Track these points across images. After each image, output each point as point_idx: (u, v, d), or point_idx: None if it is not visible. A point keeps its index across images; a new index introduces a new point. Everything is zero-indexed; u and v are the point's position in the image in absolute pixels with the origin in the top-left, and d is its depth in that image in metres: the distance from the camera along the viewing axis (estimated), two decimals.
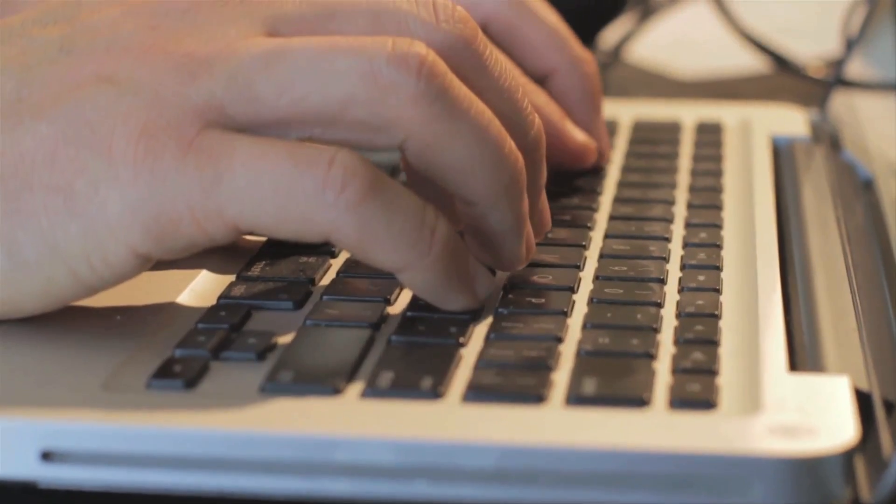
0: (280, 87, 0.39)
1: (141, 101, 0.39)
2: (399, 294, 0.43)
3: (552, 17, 0.55)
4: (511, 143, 0.41)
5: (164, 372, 0.39)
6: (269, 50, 0.40)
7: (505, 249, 0.42)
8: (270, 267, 0.45)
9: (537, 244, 0.44)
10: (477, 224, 0.42)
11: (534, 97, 0.51)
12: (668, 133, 0.60)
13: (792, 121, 0.63)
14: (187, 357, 0.39)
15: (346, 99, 0.39)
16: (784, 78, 0.79)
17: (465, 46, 0.42)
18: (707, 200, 0.52)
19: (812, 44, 0.85)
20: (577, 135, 0.54)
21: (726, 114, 0.64)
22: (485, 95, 0.41)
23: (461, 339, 0.40)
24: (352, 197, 0.38)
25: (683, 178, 0.55)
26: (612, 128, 0.61)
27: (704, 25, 0.85)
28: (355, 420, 0.36)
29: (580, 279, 0.44)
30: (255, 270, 0.45)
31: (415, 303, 0.42)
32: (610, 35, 0.79)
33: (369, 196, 0.39)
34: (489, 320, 0.42)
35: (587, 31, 0.75)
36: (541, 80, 0.54)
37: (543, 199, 0.44)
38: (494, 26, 0.54)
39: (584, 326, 0.41)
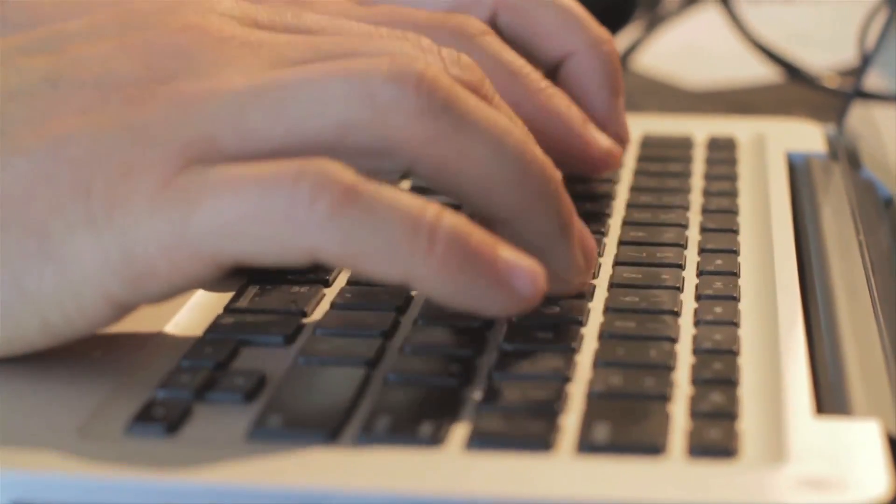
0: (272, 116, 0.37)
1: (126, 140, 0.37)
2: (397, 327, 0.41)
3: (568, 2, 0.52)
4: (536, 149, 0.38)
5: (145, 416, 0.36)
6: (262, 81, 0.37)
7: (557, 263, 0.39)
8: (260, 297, 0.43)
9: None
10: (519, 243, 0.38)
11: (555, 101, 0.48)
12: (679, 150, 0.58)
13: (807, 136, 0.60)
14: (169, 399, 0.37)
15: (344, 123, 0.37)
16: (797, 89, 0.76)
17: (472, 89, 0.39)
18: (722, 224, 0.49)
19: (826, 53, 0.83)
20: (602, 140, 0.49)
21: (739, 129, 0.61)
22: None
23: (462, 379, 0.37)
24: (325, 208, 0.35)
25: (696, 199, 0.52)
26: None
27: (714, 34, 0.83)
28: (349, 471, 0.34)
29: (589, 311, 0.42)
30: (245, 301, 0.42)
31: (412, 337, 0.40)
32: (617, 44, 0.76)
33: (345, 205, 0.35)
34: (493, 356, 0.39)
35: None
36: (557, 65, 0.51)
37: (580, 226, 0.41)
38: (505, 14, 0.51)
39: (595, 364, 0.38)
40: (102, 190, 0.36)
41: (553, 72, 0.51)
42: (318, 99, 0.37)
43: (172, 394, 0.37)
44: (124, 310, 0.38)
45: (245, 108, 0.37)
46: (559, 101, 0.48)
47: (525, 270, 0.37)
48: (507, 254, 0.37)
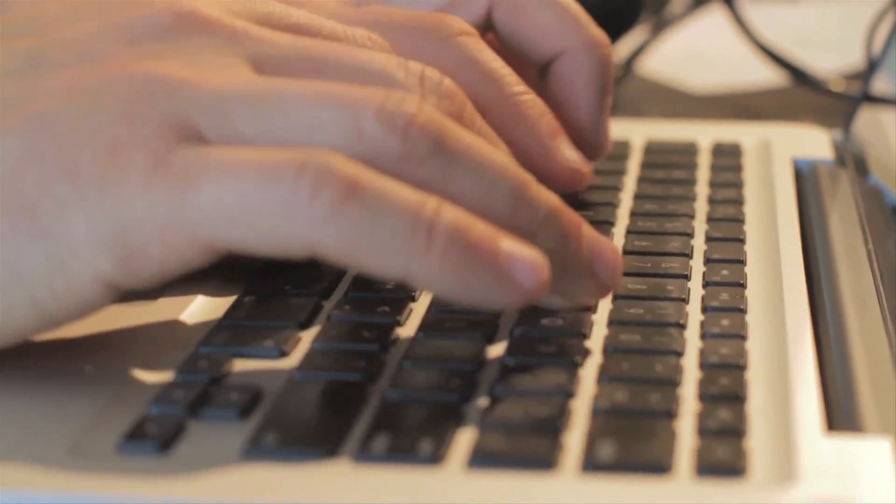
0: (260, 127, 0.36)
1: (112, 116, 0.36)
2: (396, 340, 0.40)
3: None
4: (534, 185, 0.38)
5: (137, 433, 0.35)
6: (253, 87, 0.37)
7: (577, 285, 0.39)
8: (257, 308, 0.42)
9: None
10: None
11: (526, 107, 0.46)
12: (683, 156, 0.57)
13: (814, 142, 0.59)
14: (162, 416, 0.36)
15: (328, 147, 0.36)
16: (803, 92, 0.76)
17: (455, 115, 0.39)
18: (728, 233, 0.48)
19: (831, 56, 0.82)
20: (568, 156, 0.47)
21: (744, 134, 0.60)
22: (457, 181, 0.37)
23: (463, 394, 0.37)
24: (326, 203, 0.35)
25: (702, 207, 0.51)
26: (623, 149, 0.57)
27: (719, 37, 0.82)
28: (347, 490, 0.33)
29: (593, 323, 0.41)
30: (241, 312, 0.41)
31: (412, 350, 0.39)
32: (622, 47, 0.76)
33: (347, 200, 0.35)
34: (494, 370, 0.38)
35: None
36: (549, 63, 0.50)
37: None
38: (500, 10, 0.50)
39: (599, 379, 0.37)
40: (91, 167, 0.36)
41: (545, 71, 0.50)
42: (308, 120, 0.36)
43: (165, 410, 0.36)
44: (115, 291, 0.37)
45: (234, 111, 0.36)
46: (531, 107, 0.46)
47: (527, 262, 0.36)
48: (509, 245, 0.36)
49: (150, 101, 0.36)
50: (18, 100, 0.37)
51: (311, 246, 0.35)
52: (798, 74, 0.75)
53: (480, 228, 0.36)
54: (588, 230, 0.39)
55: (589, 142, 0.49)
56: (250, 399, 0.36)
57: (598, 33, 0.50)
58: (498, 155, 0.38)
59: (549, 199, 0.38)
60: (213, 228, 0.35)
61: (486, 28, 0.50)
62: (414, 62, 0.40)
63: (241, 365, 0.39)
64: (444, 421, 0.35)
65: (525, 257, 0.36)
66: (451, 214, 0.35)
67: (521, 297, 0.36)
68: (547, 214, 0.38)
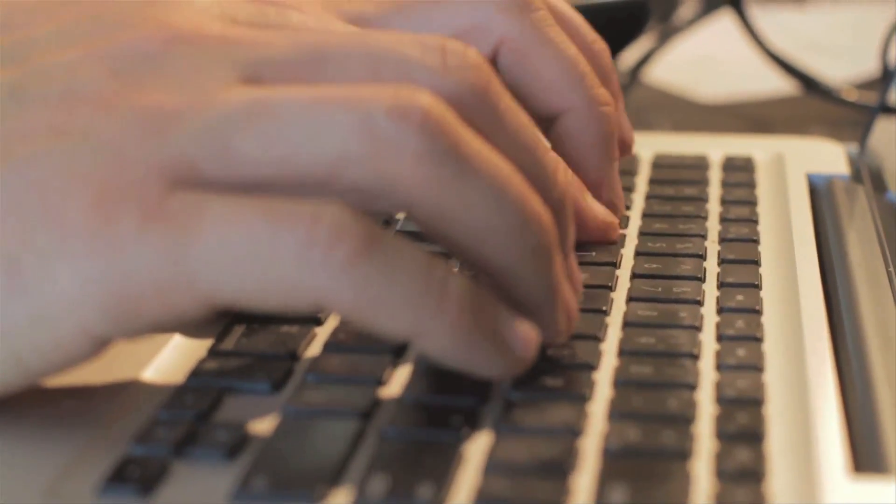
0: (262, 144, 0.34)
1: (99, 159, 0.33)
2: (394, 373, 0.38)
3: (571, 50, 0.47)
4: (536, 203, 0.35)
5: (118, 476, 0.33)
6: (249, 102, 0.34)
7: (541, 321, 0.36)
8: (247, 338, 0.39)
9: None
10: (505, 295, 0.36)
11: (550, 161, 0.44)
12: (693, 171, 0.55)
13: (829, 156, 0.57)
14: (145, 457, 0.34)
15: (339, 157, 0.34)
16: (814, 102, 0.73)
17: (478, 96, 0.36)
18: (742, 254, 0.46)
19: (842, 64, 0.80)
20: (598, 210, 0.46)
21: (756, 147, 0.58)
22: (500, 150, 0.35)
23: (465, 433, 0.34)
24: (343, 257, 0.33)
25: (714, 226, 0.49)
26: (631, 164, 0.55)
27: (728, 44, 0.80)
28: None
29: (602, 353, 0.39)
30: (230, 342, 0.39)
31: (411, 385, 0.37)
32: (628, 55, 0.73)
33: (364, 255, 0.33)
34: (499, 406, 0.36)
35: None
36: (550, 120, 0.48)
37: (572, 263, 0.39)
38: (507, 56, 0.47)
39: (610, 416, 0.35)
40: (78, 217, 0.33)
41: (545, 126, 0.48)
42: (314, 128, 0.34)
43: (148, 450, 0.34)
44: (104, 346, 0.35)
45: (230, 132, 0.34)
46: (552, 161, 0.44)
47: (523, 334, 0.35)
48: (508, 316, 0.35)
49: (140, 141, 0.34)
50: (3, 138, 0.34)
51: (321, 299, 0.33)
52: (809, 83, 0.73)
53: (485, 294, 0.35)
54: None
55: (603, 202, 0.47)
56: (238, 438, 0.34)
57: (602, 92, 0.47)
58: (508, 169, 0.35)
59: (551, 228, 0.36)
60: (215, 280, 0.33)
61: None
62: (431, 37, 0.37)
63: (229, 400, 0.36)
64: (445, 462, 0.33)
65: (522, 329, 0.35)
66: (461, 278, 0.34)
67: (514, 369, 0.35)
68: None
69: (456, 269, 0.34)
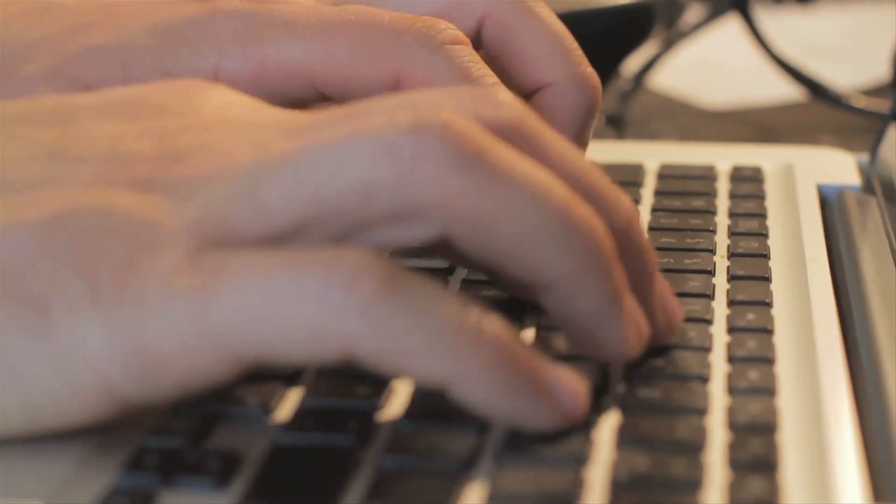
0: (288, 189, 0.33)
1: (133, 220, 0.33)
2: (392, 396, 0.36)
3: (557, 25, 0.46)
4: (583, 207, 0.34)
5: None
6: (274, 154, 0.33)
7: (603, 336, 0.35)
8: None
9: None
10: (563, 312, 0.34)
11: None
12: (700, 182, 0.53)
13: (839, 166, 0.56)
14: (132, 487, 0.32)
15: (366, 185, 0.33)
16: (822, 109, 0.72)
17: (513, 128, 0.34)
18: (752, 270, 0.44)
19: (848, 69, 0.78)
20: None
21: (764, 157, 0.56)
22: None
23: (465, 464, 0.33)
24: (363, 299, 0.31)
25: (722, 240, 0.47)
26: (636, 174, 0.54)
27: (734, 50, 0.78)
28: None
29: (608, 376, 0.37)
30: None
31: (410, 409, 0.35)
32: (633, 60, 0.72)
33: (386, 295, 0.31)
34: (500, 434, 0.34)
35: (611, 57, 0.68)
36: (532, 94, 0.46)
37: (661, 287, 0.37)
38: (492, 28, 0.46)
39: (618, 443, 0.34)
40: (109, 269, 0.32)
41: (527, 99, 0.46)
42: (335, 162, 0.33)
43: (136, 480, 0.32)
44: (125, 407, 0.33)
45: (258, 183, 0.33)
46: None
47: (570, 385, 0.34)
48: (550, 366, 0.34)
49: (175, 204, 0.33)
50: (35, 193, 0.34)
51: (347, 347, 0.32)
52: (817, 89, 0.71)
53: (523, 343, 0.33)
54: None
55: None
56: (229, 465, 0.33)
57: (590, 71, 0.46)
58: (546, 173, 0.34)
59: (605, 232, 0.35)
60: (237, 335, 0.32)
61: (474, 45, 0.46)
62: (460, 88, 0.36)
63: (220, 424, 0.35)
64: (444, 493, 0.32)
65: (568, 380, 0.34)
66: (497, 322, 0.33)
67: (559, 421, 0.34)
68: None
69: (493, 315, 0.33)
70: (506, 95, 0.36)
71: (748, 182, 0.53)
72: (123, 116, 0.36)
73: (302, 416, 0.35)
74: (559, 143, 0.35)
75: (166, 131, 0.35)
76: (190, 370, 0.32)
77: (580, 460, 0.33)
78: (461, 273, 0.44)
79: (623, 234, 0.35)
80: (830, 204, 0.53)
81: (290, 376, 0.37)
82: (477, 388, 0.32)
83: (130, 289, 0.32)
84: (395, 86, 0.42)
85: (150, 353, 0.32)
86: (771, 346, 0.39)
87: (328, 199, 0.33)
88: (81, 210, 0.33)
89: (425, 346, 0.32)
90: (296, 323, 0.32)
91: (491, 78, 0.43)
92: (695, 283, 0.43)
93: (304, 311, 0.32)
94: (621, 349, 0.35)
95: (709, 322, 0.40)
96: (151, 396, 0.33)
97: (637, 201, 0.51)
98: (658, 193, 0.52)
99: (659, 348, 0.38)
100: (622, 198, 0.36)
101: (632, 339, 0.35)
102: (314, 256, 0.32)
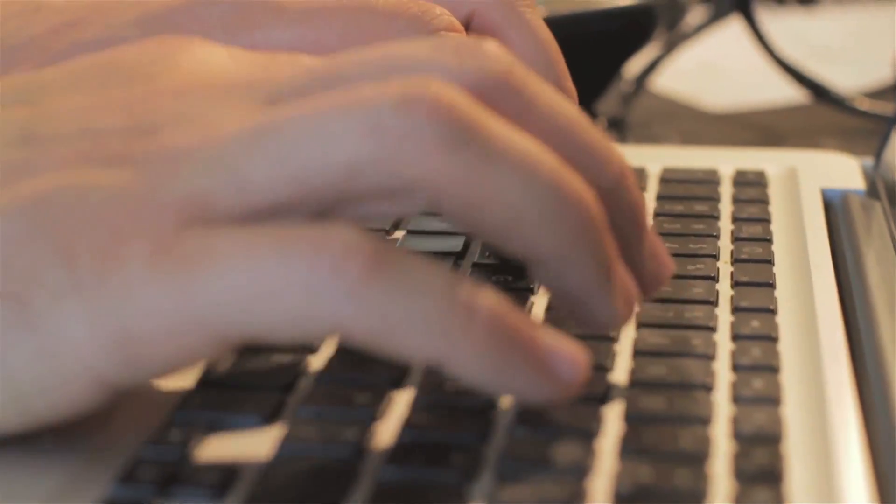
0: (271, 165, 0.32)
1: (111, 201, 0.32)
2: (392, 405, 0.36)
3: (545, 34, 0.45)
4: (573, 180, 0.33)
5: None
6: (255, 127, 0.33)
7: (594, 309, 0.34)
8: (238, 366, 0.37)
9: None
10: (555, 285, 0.34)
11: None
12: (703, 187, 0.53)
13: (843, 169, 0.55)
14: (125, 499, 0.32)
15: (352, 163, 0.32)
16: (825, 111, 0.71)
17: (499, 83, 0.34)
18: (756, 276, 0.44)
19: (852, 70, 0.78)
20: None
21: (767, 161, 0.56)
22: (537, 135, 0.34)
23: (466, 473, 0.32)
24: (351, 279, 0.31)
25: (726, 245, 0.47)
26: (638, 178, 0.53)
27: (737, 51, 0.78)
28: None
29: (610, 385, 0.37)
30: (220, 371, 0.37)
31: (410, 419, 0.35)
32: (634, 62, 0.71)
33: (374, 275, 0.31)
34: (501, 443, 0.34)
35: (613, 59, 0.67)
36: None
37: (651, 241, 0.37)
38: (476, 27, 0.45)
39: (620, 454, 0.33)
40: (89, 255, 0.32)
41: None
42: (320, 138, 0.32)
43: (130, 492, 0.32)
44: (114, 392, 0.33)
45: (240, 157, 0.32)
46: None
47: (568, 355, 0.33)
48: (548, 336, 0.33)
49: (151, 182, 0.32)
50: (9, 178, 0.33)
51: (336, 326, 0.31)
52: (820, 92, 0.71)
53: (519, 314, 0.32)
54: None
55: None
56: (227, 477, 0.32)
57: (570, 87, 0.45)
58: (537, 147, 0.33)
59: (596, 205, 0.34)
60: (224, 316, 0.31)
61: None
62: (444, 36, 0.35)
63: (217, 435, 0.34)
64: None
65: (566, 350, 0.33)
66: (490, 295, 0.32)
67: (560, 391, 0.33)
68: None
69: (486, 289, 0.32)
70: (491, 45, 0.35)
71: (751, 186, 0.53)
72: (92, 87, 0.35)
73: (300, 426, 0.34)
74: (547, 95, 0.35)
75: (137, 100, 0.34)
76: (176, 351, 0.32)
77: (582, 471, 0.33)
78: (472, 257, 0.45)
79: (612, 192, 0.35)
80: (834, 208, 0.52)
81: (286, 385, 0.37)
82: (471, 365, 0.32)
83: (112, 273, 0.32)
84: None
85: (136, 337, 0.32)
86: (776, 355, 0.38)
87: (313, 176, 0.32)
88: (56, 195, 0.32)
89: (415, 326, 0.31)
90: (283, 304, 0.31)
91: (559, 95, 0.42)
92: (698, 290, 0.42)
93: (291, 292, 0.31)
94: (612, 320, 0.35)
95: (713, 329, 0.40)
96: (141, 378, 0.33)
97: None
98: (660, 198, 0.52)
99: (663, 355, 0.38)
100: (612, 152, 0.35)
101: (621, 308, 0.35)
102: (300, 234, 0.31)
